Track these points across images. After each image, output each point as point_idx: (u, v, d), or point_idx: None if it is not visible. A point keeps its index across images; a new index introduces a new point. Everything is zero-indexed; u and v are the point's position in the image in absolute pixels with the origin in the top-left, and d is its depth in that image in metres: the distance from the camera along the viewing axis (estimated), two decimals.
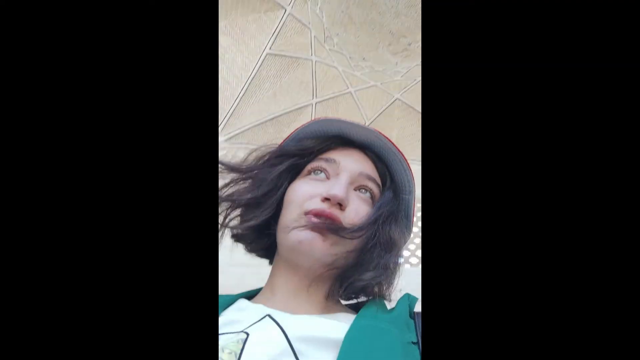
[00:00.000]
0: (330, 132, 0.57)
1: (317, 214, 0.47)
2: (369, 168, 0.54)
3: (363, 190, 0.52)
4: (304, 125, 0.57)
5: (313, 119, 0.56)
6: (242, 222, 0.54)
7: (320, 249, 0.47)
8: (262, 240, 0.55)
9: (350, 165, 0.53)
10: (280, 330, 0.41)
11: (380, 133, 0.55)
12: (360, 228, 0.48)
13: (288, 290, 0.50)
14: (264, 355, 0.38)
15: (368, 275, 0.49)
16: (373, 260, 0.49)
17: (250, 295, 0.55)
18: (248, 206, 0.54)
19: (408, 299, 0.49)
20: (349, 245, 0.48)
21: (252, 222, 0.53)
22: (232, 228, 0.55)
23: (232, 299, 0.52)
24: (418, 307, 0.45)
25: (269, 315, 0.44)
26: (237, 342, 0.39)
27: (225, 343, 0.39)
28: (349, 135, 0.56)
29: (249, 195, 0.53)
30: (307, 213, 0.48)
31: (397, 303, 0.48)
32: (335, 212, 0.48)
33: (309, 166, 0.54)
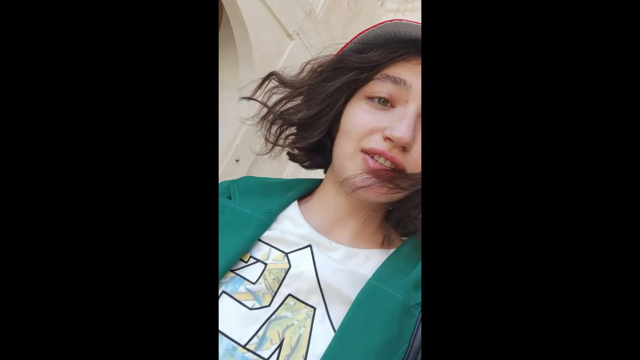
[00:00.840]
0: (401, 37, 0.46)
1: (376, 153, 0.43)
2: None
3: None
4: (370, 28, 0.47)
5: (383, 21, 0.45)
6: (294, 141, 0.52)
7: (375, 197, 0.44)
8: (317, 159, 0.53)
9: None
10: (314, 270, 0.43)
11: None
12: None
13: (335, 215, 0.49)
14: (297, 289, 0.42)
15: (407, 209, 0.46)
16: None
17: (305, 193, 0.54)
18: (301, 126, 0.50)
19: None
20: (402, 190, 0.44)
21: (304, 143, 0.50)
22: (285, 147, 0.53)
23: (291, 191, 0.52)
24: None
25: (310, 247, 0.45)
26: (281, 270, 0.43)
27: (272, 266, 0.43)
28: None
29: (300, 115, 0.49)
30: (364, 151, 0.44)
31: (418, 263, 0.45)
32: (398, 155, 0.43)
33: (372, 86, 0.45)
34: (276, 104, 0.51)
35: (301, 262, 0.44)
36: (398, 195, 0.44)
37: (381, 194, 0.44)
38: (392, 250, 0.47)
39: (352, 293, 0.42)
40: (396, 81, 0.44)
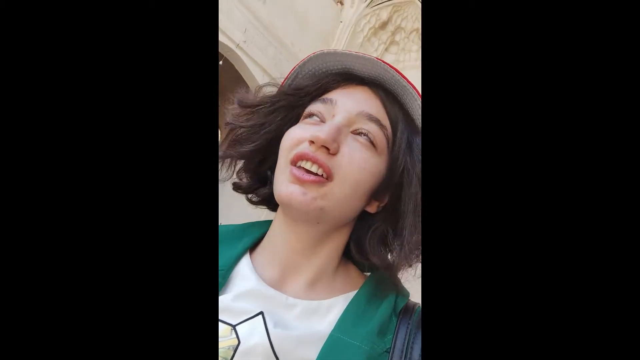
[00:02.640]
0: (331, 69, 0.49)
1: (300, 157, 0.42)
2: (372, 107, 0.45)
3: (361, 135, 0.44)
4: (301, 61, 0.50)
5: (311, 53, 0.49)
6: (242, 171, 0.52)
7: (299, 202, 0.42)
8: (262, 190, 0.52)
9: (348, 105, 0.45)
10: (268, 341, 0.40)
11: (388, 65, 0.46)
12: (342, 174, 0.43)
13: (285, 258, 0.47)
14: None
15: (374, 226, 0.46)
16: (380, 225, 0.46)
17: (257, 241, 0.52)
18: (248, 157, 0.50)
19: (395, 300, 0.45)
20: (336, 199, 0.43)
21: (251, 175, 0.51)
22: (233, 179, 0.52)
23: (242, 242, 0.50)
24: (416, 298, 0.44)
25: (262, 314, 0.42)
26: (229, 348, 0.40)
27: (220, 345, 0.40)
28: (352, 70, 0.47)
29: (246, 148, 0.49)
30: (292, 162, 0.43)
31: (384, 301, 0.44)
32: (320, 156, 0.42)
33: (306, 110, 0.47)
34: (222, 143, 0.50)
35: (252, 334, 0.41)
36: (327, 207, 0.43)
37: (304, 202, 0.42)
38: (353, 292, 0.45)
39: (314, 350, 0.40)
40: (324, 101, 0.46)
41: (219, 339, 0.41)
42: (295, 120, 0.49)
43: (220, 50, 4.39)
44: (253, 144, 0.48)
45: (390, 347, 0.40)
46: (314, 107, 0.46)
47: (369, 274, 0.49)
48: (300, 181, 0.42)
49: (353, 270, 0.50)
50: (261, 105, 0.49)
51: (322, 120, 0.45)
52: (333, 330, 0.40)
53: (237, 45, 4.27)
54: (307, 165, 0.42)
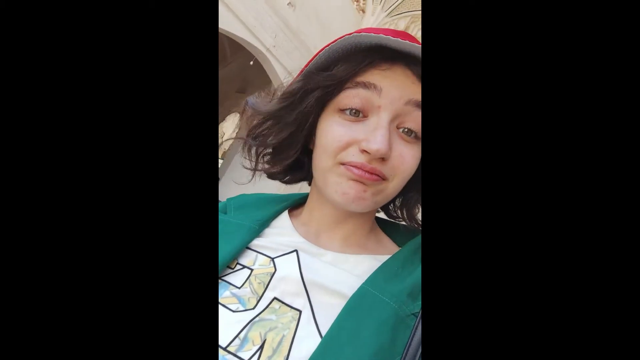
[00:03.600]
0: (363, 46, 0.44)
1: (356, 167, 0.42)
2: (416, 90, 0.43)
3: (407, 132, 0.43)
4: (329, 44, 0.45)
5: (345, 34, 0.44)
6: (271, 163, 0.52)
7: (361, 202, 0.43)
8: (296, 174, 0.54)
9: (394, 93, 0.42)
10: (299, 272, 0.43)
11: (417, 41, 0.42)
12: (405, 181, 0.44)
13: (323, 223, 0.50)
14: (283, 292, 0.42)
15: (410, 195, 0.50)
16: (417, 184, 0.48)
17: (297, 204, 0.56)
18: (275, 148, 0.51)
19: None
20: (389, 194, 0.45)
21: (280, 164, 0.51)
22: (264, 171, 0.53)
23: (282, 203, 0.54)
24: None
25: (296, 252, 0.46)
26: (267, 274, 0.44)
27: (258, 271, 0.44)
28: (386, 44, 0.43)
29: (272, 139, 0.49)
30: (343, 164, 0.43)
31: (418, 267, 0.44)
32: (378, 166, 0.42)
33: (343, 98, 0.44)
34: (251, 130, 0.51)
35: (287, 265, 0.44)
36: (381, 202, 0.45)
37: (365, 203, 0.43)
38: (384, 256, 0.46)
39: (340, 294, 0.41)
40: (366, 86, 0.43)
41: (259, 267, 0.45)
42: (325, 103, 0.46)
43: (252, 52, 4.83)
44: (281, 135, 0.49)
45: (419, 312, 0.39)
46: (356, 96, 0.43)
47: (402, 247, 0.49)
48: (361, 179, 0.42)
49: (386, 240, 0.52)
50: (285, 98, 0.48)
51: (365, 115, 0.43)
52: (364, 283, 0.41)
53: (267, 49, 4.70)
54: (361, 173, 0.42)
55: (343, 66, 0.44)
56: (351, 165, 0.42)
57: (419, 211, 0.52)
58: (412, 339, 0.37)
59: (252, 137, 0.52)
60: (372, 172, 0.42)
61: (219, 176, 6.76)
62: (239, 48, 4.96)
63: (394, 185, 0.44)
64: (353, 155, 0.42)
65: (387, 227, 0.54)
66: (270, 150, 0.52)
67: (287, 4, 4.91)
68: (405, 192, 0.49)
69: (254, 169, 0.53)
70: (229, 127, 11.87)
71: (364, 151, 0.42)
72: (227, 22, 4.35)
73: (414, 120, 0.43)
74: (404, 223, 0.53)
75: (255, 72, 5.58)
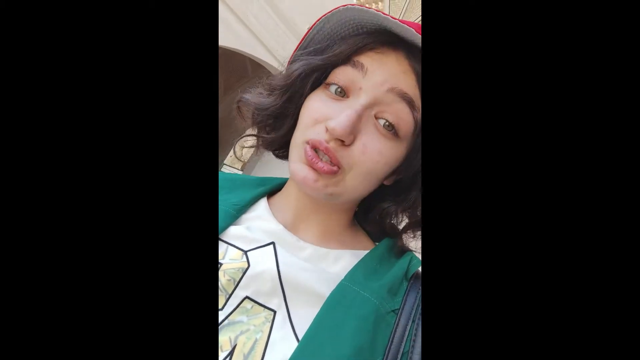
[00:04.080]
0: (366, 27, 0.43)
1: (314, 146, 0.41)
2: (406, 82, 0.41)
3: (384, 123, 0.41)
4: (329, 12, 0.43)
5: (338, 7, 0.42)
6: (269, 131, 0.50)
7: (311, 187, 0.42)
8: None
9: (378, 77, 0.41)
10: (276, 269, 0.40)
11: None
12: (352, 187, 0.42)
13: (298, 209, 0.48)
14: (256, 291, 0.39)
15: (384, 204, 0.46)
16: (392, 193, 0.46)
17: (274, 190, 0.53)
18: (273, 117, 0.49)
19: (410, 261, 0.45)
20: (347, 186, 0.42)
21: (276, 133, 0.49)
22: (262, 137, 0.51)
23: (261, 187, 0.51)
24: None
25: (273, 244, 0.43)
26: (238, 270, 0.40)
27: (228, 267, 0.40)
28: (390, 28, 0.41)
29: (270, 105, 0.47)
30: (307, 142, 0.42)
31: (396, 263, 0.44)
32: (333, 148, 0.40)
33: (332, 74, 0.43)
34: (259, 127, 0.51)
35: (262, 260, 0.41)
36: (340, 194, 0.43)
37: (316, 189, 0.41)
38: (361, 252, 0.45)
39: (319, 295, 0.39)
40: (354, 64, 0.41)
41: (229, 261, 0.41)
42: (321, 77, 0.45)
43: (272, 71, 5.09)
44: (276, 102, 0.47)
45: (399, 309, 0.38)
46: (342, 73, 0.42)
47: (377, 243, 0.48)
48: (312, 165, 0.41)
49: (363, 236, 0.51)
50: (286, 87, 0.47)
51: (347, 95, 0.42)
52: (343, 280, 0.40)
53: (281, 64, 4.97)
54: (320, 154, 0.41)
55: (342, 46, 0.43)
56: (311, 143, 0.41)
57: (398, 223, 0.49)
58: (393, 338, 0.37)
59: (261, 132, 0.51)
60: (326, 152, 0.40)
61: None
62: (259, 65, 5.21)
63: (352, 178, 0.42)
64: (317, 133, 0.41)
65: (364, 223, 0.52)
66: (269, 121, 0.50)
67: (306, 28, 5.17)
68: (379, 202, 0.46)
69: (257, 135, 0.51)
70: (248, 142, 12.09)
71: (327, 129, 0.40)
72: (251, 45, 4.63)
73: (394, 113, 0.41)
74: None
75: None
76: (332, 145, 0.41)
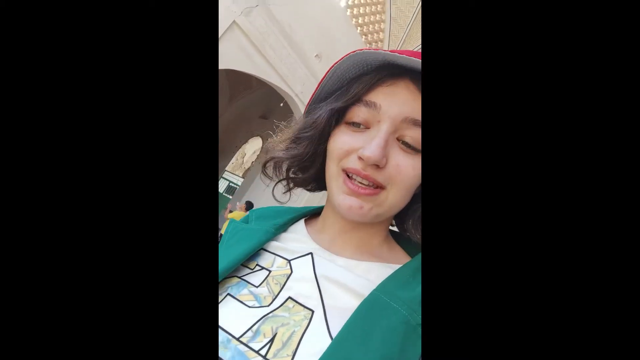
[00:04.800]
0: (371, 64, 0.47)
1: (353, 172, 0.45)
2: (416, 108, 0.45)
3: (405, 144, 0.45)
4: (338, 62, 0.48)
5: (349, 52, 0.47)
6: (296, 174, 0.56)
7: (358, 214, 0.46)
8: (322, 183, 0.55)
9: (393, 110, 0.45)
10: (313, 274, 0.46)
11: None
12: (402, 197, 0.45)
13: (335, 231, 0.52)
14: (297, 293, 0.44)
15: (415, 206, 0.49)
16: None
17: (315, 214, 0.60)
18: (300, 163, 0.54)
19: None
20: (390, 204, 0.46)
21: (309, 173, 0.55)
22: (292, 181, 0.57)
23: (298, 213, 0.58)
24: None
25: (311, 255, 0.49)
26: (284, 276, 0.46)
27: (276, 273, 0.47)
28: (393, 61, 0.45)
29: (307, 155, 0.52)
30: (344, 171, 0.46)
31: None
32: (372, 173, 0.44)
33: (350, 112, 0.48)
34: (278, 153, 0.55)
35: (302, 267, 0.47)
36: (383, 213, 0.47)
37: (362, 214, 0.46)
38: (396, 265, 0.47)
39: (355, 296, 0.42)
40: (367, 104, 0.46)
41: (277, 269, 0.48)
42: (339, 118, 0.49)
43: (282, 95, 5.66)
44: (306, 150, 0.52)
45: None
46: (358, 112, 0.47)
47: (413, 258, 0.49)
48: (356, 194, 0.45)
49: (400, 251, 0.53)
50: (307, 139, 0.52)
51: (367, 127, 0.47)
52: (375, 289, 0.41)
53: (296, 94, 5.56)
54: (359, 179, 0.45)
55: (354, 86, 0.48)
56: (349, 171, 0.46)
57: None
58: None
59: (297, 174, 0.56)
60: (367, 179, 0.44)
61: (241, 194, 7.52)
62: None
63: (394, 195, 0.46)
64: (352, 162, 0.45)
65: (400, 239, 0.55)
66: (293, 166, 0.55)
67: (315, 56, 5.76)
68: (411, 206, 0.50)
69: (286, 179, 0.57)
70: (250, 149, 12.64)
71: (360, 158, 0.44)
72: (264, 71, 5.20)
73: (413, 136, 0.44)
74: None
75: (276, 100, 6.38)
76: (369, 171, 0.44)
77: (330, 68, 0.50)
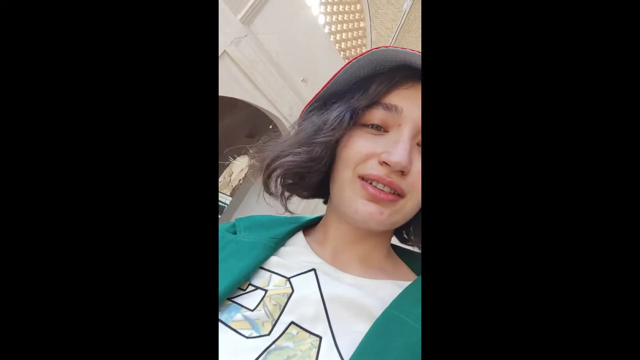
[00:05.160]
0: (389, 64, 0.45)
1: (374, 179, 0.42)
2: None
3: None
4: (356, 58, 0.46)
5: (369, 49, 0.44)
6: (298, 181, 0.51)
7: (377, 221, 0.43)
8: (321, 190, 0.53)
9: (414, 113, 0.43)
10: (319, 292, 0.41)
11: None
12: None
13: (339, 242, 0.49)
14: (301, 316, 0.40)
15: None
16: None
17: (312, 224, 0.55)
18: (311, 167, 0.49)
19: None
20: (407, 212, 0.44)
21: (309, 181, 0.50)
22: (288, 189, 0.52)
23: (295, 224, 0.53)
24: None
25: (314, 271, 0.44)
26: (283, 295, 0.42)
27: (273, 292, 0.42)
28: (411, 63, 0.44)
29: (321, 160, 0.48)
30: (362, 177, 0.43)
31: None
32: (396, 180, 0.42)
33: (365, 115, 0.45)
34: (272, 160, 0.50)
35: (305, 285, 0.42)
36: (399, 221, 0.45)
37: (381, 222, 0.43)
38: (404, 282, 0.45)
39: (366, 316, 0.40)
40: (387, 107, 0.44)
41: (274, 288, 0.43)
42: (349, 122, 0.46)
43: (271, 118, 5.92)
44: (304, 154, 0.47)
45: None
46: (377, 114, 0.44)
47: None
48: (377, 199, 0.42)
49: (404, 267, 0.51)
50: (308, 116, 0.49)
51: (386, 130, 0.44)
52: (389, 307, 0.39)
53: (284, 117, 5.83)
54: (380, 186, 0.42)
55: (372, 87, 0.45)
56: (370, 178, 0.43)
57: None
58: None
59: (300, 182, 0.51)
60: (390, 186, 0.42)
61: (231, 212, 7.66)
62: None
63: (412, 203, 0.44)
64: (372, 168, 0.43)
65: (402, 254, 0.53)
66: (292, 178, 0.51)
67: (301, 80, 6.06)
68: (417, 214, 0.47)
69: (282, 194, 0.53)
70: (237, 167, 12.79)
71: (383, 163, 0.42)
72: (254, 96, 5.47)
73: None
74: (416, 248, 0.52)
75: (262, 120, 6.61)
76: (394, 177, 0.42)
77: (345, 65, 0.47)
